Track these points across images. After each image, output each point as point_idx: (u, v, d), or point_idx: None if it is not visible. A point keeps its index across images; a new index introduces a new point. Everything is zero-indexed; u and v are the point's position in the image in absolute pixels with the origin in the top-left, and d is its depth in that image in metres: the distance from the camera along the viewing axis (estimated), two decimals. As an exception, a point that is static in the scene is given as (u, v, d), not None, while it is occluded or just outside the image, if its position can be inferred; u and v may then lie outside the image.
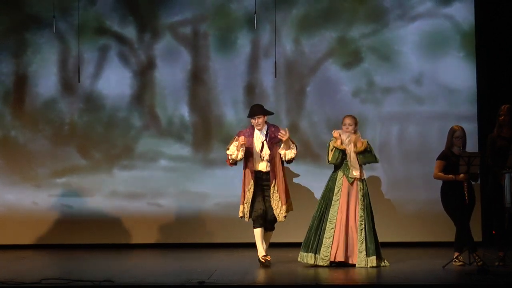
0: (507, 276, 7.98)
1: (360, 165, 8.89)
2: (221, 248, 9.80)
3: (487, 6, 10.87)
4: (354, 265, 8.73)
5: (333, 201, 8.84)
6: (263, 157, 8.90)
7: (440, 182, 9.04)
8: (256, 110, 9.00)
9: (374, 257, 8.72)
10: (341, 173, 8.91)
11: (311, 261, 8.81)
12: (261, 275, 8.41)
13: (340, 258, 8.73)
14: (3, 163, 11.09)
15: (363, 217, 8.80)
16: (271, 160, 8.89)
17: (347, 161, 8.88)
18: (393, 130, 10.93)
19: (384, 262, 8.82)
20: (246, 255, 9.36)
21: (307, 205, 10.16)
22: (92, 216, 10.97)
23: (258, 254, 8.88)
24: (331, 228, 8.78)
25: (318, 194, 10.47)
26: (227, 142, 9.38)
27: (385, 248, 9.22)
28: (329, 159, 8.93)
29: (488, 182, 9.18)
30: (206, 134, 11.02)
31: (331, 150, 8.91)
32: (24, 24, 11.12)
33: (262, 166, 8.93)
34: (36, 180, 11.04)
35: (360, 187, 8.87)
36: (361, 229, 8.77)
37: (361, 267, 8.66)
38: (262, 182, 8.93)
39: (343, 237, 8.75)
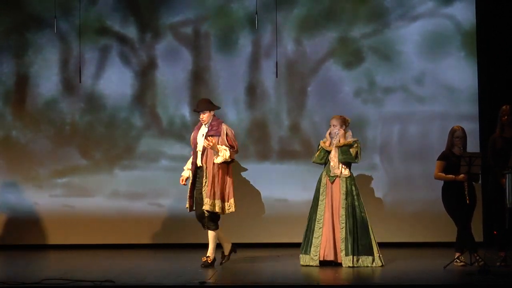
0: (508, 276, 7.98)
1: (342, 163, 8.87)
2: (221, 249, 9.75)
3: (488, 5, 10.85)
4: (341, 264, 8.74)
5: (319, 201, 8.90)
6: (199, 150, 8.93)
7: (441, 182, 9.03)
8: (199, 106, 9.00)
9: (350, 257, 8.68)
10: (324, 173, 8.98)
11: (302, 262, 8.86)
12: (261, 275, 8.40)
13: (329, 257, 8.76)
14: (4, 163, 11.10)
15: (344, 216, 8.79)
16: (203, 152, 8.87)
17: (329, 161, 8.90)
18: (394, 130, 10.91)
19: (375, 262, 8.75)
20: (246, 255, 9.34)
21: (308, 205, 10.13)
22: (93, 216, 10.96)
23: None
24: (319, 228, 8.81)
25: (319, 194, 10.48)
26: (227, 142, 9.35)
27: (386, 248, 9.22)
28: (313, 159, 9.02)
29: (489, 182, 9.17)
30: (207, 134, 10.99)
31: (318, 150, 8.97)
32: (25, 24, 11.13)
33: (200, 160, 8.94)
34: (37, 180, 11.04)
35: (342, 186, 8.86)
36: (342, 228, 8.78)
37: (344, 267, 8.67)
38: (201, 179, 8.90)
39: (331, 237, 8.77)
